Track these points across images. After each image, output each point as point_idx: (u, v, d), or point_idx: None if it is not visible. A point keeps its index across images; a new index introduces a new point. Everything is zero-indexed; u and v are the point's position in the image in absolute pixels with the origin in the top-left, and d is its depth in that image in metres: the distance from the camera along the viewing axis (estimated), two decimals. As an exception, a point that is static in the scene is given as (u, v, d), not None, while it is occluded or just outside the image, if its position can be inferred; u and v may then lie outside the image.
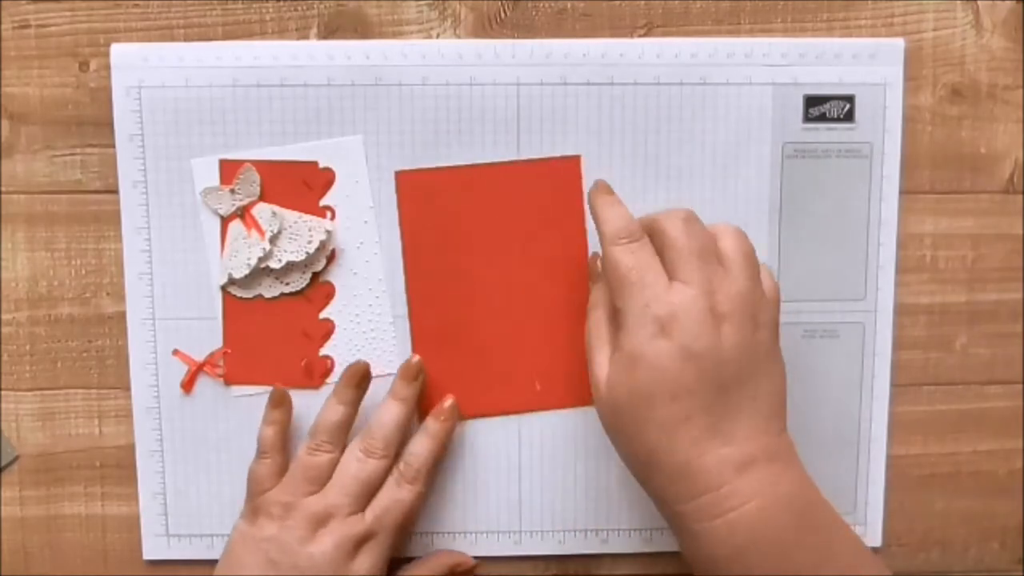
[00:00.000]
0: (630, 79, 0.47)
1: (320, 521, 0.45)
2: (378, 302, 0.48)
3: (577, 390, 0.47)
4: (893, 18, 0.48)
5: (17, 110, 0.47)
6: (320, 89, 0.47)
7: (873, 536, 0.50)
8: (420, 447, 0.47)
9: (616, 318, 0.41)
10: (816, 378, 0.49)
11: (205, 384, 0.48)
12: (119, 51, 0.47)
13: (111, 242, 0.48)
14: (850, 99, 0.48)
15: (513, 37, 0.47)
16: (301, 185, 0.47)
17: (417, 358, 0.47)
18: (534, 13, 0.47)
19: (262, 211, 0.46)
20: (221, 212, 0.47)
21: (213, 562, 0.49)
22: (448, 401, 0.47)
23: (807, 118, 0.48)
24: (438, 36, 0.47)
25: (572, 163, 0.46)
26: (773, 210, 0.48)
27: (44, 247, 0.48)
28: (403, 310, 0.48)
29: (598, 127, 0.47)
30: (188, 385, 0.48)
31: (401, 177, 0.47)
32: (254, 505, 0.46)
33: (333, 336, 0.48)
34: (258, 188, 0.47)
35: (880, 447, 0.50)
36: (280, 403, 0.47)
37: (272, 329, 0.48)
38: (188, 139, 0.47)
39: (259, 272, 0.47)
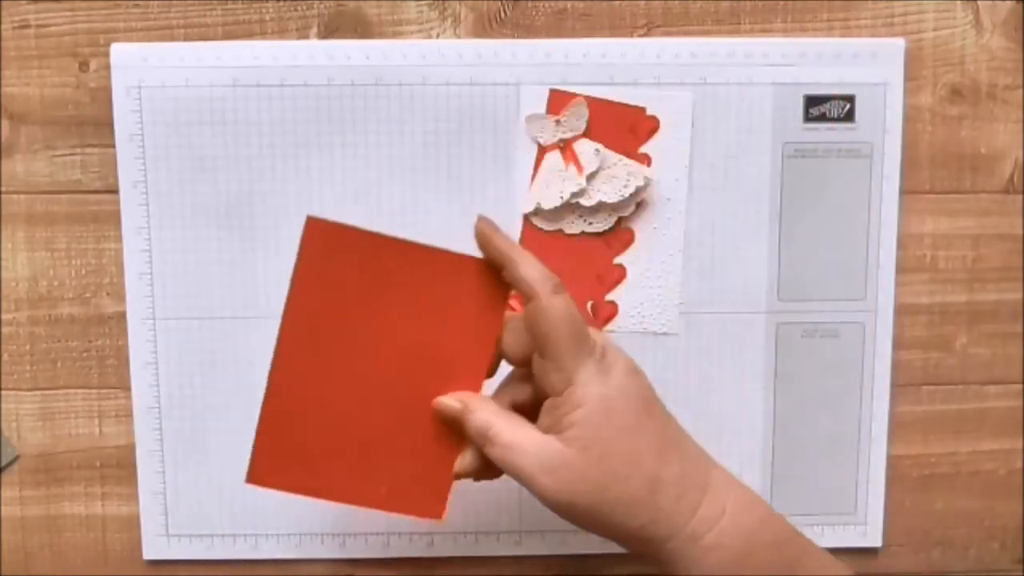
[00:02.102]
0: (630, 79, 0.47)
1: None
2: (671, 259, 0.48)
3: (424, 498, 0.42)
4: (893, 18, 0.48)
5: (17, 110, 0.47)
6: (320, 89, 0.47)
7: (873, 536, 0.50)
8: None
9: (553, 378, 0.38)
10: (816, 378, 0.49)
11: (205, 383, 0.48)
12: (119, 51, 0.47)
13: (111, 242, 0.48)
14: (850, 99, 0.48)
15: (513, 37, 0.47)
16: (625, 129, 0.47)
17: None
18: (534, 13, 0.47)
19: (585, 147, 0.47)
20: (542, 141, 0.47)
21: (213, 562, 0.50)
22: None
23: (807, 118, 0.48)
24: (438, 36, 0.47)
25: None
26: (773, 210, 0.48)
27: (44, 247, 0.48)
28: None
29: (598, 127, 0.48)
30: None
31: (311, 224, 0.39)
32: None
33: (623, 283, 0.48)
34: (584, 123, 0.47)
35: (880, 447, 0.50)
36: None
37: (566, 265, 0.47)
38: (188, 139, 0.47)
39: (565, 207, 0.47)
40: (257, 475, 0.41)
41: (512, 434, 0.38)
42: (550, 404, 0.38)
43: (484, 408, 0.39)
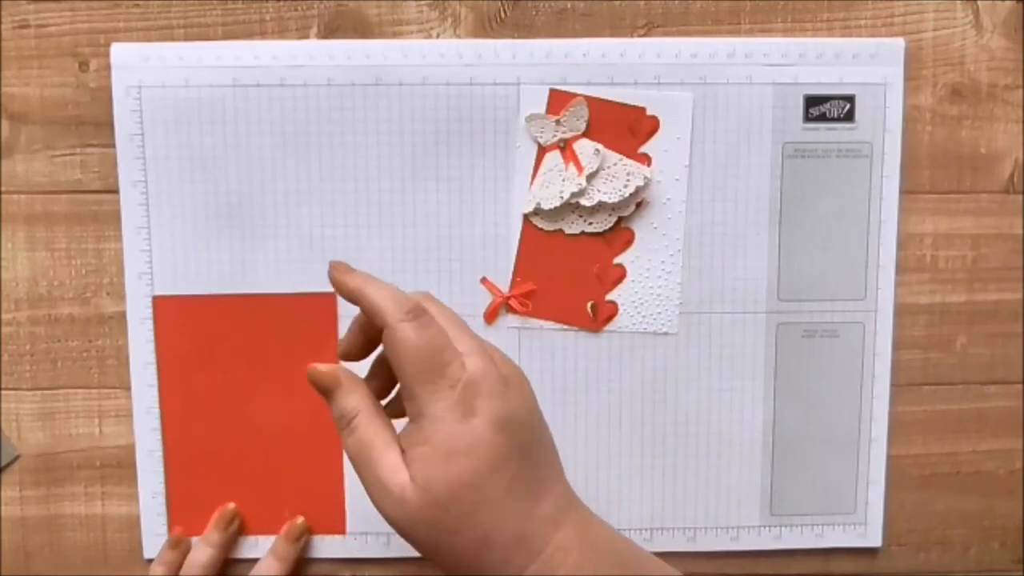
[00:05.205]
0: (630, 79, 0.47)
1: None
2: (671, 259, 0.48)
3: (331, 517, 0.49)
4: (893, 18, 0.48)
5: (17, 110, 0.47)
6: (320, 89, 0.47)
7: (873, 536, 0.50)
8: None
9: (408, 406, 0.37)
10: (816, 378, 0.49)
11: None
12: (119, 51, 0.47)
13: (111, 242, 0.48)
14: (850, 99, 0.48)
15: (513, 37, 0.47)
16: (625, 129, 0.47)
17: (301, 519, 0.49)
18: (534, 13, 0.47)
19: (585, 147, 0.47)
20: (542, 141, 0.47)
21: (213, 562, 0.49)
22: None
23: (807, 118, 0.48)
24: (438, 36, 0.47)
25: (327, 300, 0.47)
26: (773, 210, 0.48)
27: (44, 247, 0.48)
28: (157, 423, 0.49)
29: (598, 127, 0.48)
30: (490, 316, 0.48)
31: (159, 303, 0.48)
32: None
33: (623, 283, 0.48)
34: (584, 123, 0.47)
35: (880, 447, 0.50)
36: (176, 546, 0.49)
37: (566, 265, 0.48)
38: (188, 139, 0.47)
39: (565, 207, 0.47)
40: (178, 526, 0.49)
41: (370, 437, 0.36)
42: (410, 425, 0.37)
43: (355, 392, 0.37)
